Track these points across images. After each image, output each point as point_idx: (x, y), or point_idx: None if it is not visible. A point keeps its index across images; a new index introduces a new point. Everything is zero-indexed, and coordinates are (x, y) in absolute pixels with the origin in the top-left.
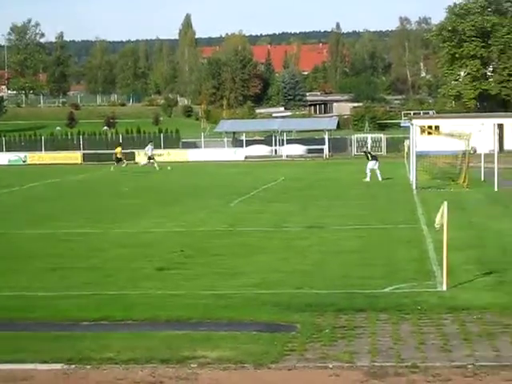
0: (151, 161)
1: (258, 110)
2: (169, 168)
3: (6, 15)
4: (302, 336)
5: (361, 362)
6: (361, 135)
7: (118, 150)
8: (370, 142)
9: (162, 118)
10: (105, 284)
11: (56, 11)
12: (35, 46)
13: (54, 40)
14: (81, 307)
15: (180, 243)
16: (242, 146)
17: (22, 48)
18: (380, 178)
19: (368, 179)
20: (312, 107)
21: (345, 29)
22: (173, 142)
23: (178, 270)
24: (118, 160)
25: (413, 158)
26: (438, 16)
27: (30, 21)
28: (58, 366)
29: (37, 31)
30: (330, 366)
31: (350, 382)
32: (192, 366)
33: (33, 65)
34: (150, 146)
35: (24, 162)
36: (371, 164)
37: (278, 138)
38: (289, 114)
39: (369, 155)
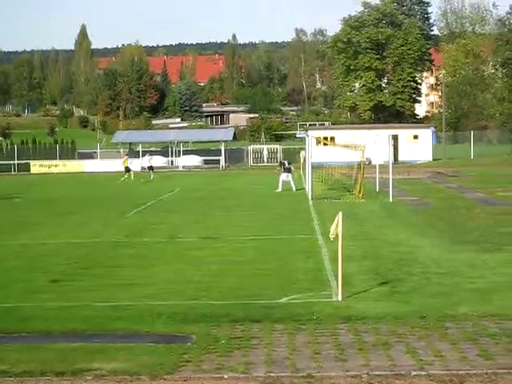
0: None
1: (154, 121)
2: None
3: None
4: (198, 347)
5: (256, 373)
6: (257, 146)
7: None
8: (266, 152)
9: (57, 129)
10: None
11: None
12: None
13: None
14: None
15: (75, 255)
16: (138, 157)
17: None
18: (294, 189)
19: (279, 190)
20: (208, 118)
21: (241, 40)
22: (69, 152)
23: (73, 282)
24: (128, 170)
25: (308, 169)
26: (333, 28)
27: None
28: None
29: None
30: (226, 376)
31: None
32: (87, 378)
33: None
34: (147, 157)
35: None
36: (284, 176)
37: (174, 148)
38: (185, 124)
39: (283, 166)
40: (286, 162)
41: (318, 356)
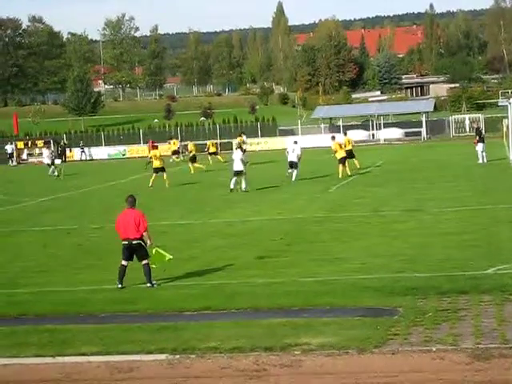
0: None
1: (353, 95)
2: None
3: (100, 10)
4: (405, 320)
5: (465, 345)
6: (458, 116)
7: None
8: (467, 122)
9: (258, 107)
10: (205, 274)
11: (149, 5)
12: (130, 40)
13: (148, 33)
14: (183, 297)
15: (279, 231)
16: (339, 132)
17: (117, 43)
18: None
19: (480, 161)
20: (408, 90)
21: (438, 9)
22: (270, 130)
23: (278, 258)
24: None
25: (511, 137)
26: None
27: (124, 15)
28: (162, 357)
29: (131, 25)
30: (434, 349)
31: (455, 365)
32: (295, 353)
33: (128, 59)
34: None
35: (123, 155)
36: (480, 146)
37: (375, 122)
38: (385, 97)
39: (478, 136)
40: (481, 131)
41: None
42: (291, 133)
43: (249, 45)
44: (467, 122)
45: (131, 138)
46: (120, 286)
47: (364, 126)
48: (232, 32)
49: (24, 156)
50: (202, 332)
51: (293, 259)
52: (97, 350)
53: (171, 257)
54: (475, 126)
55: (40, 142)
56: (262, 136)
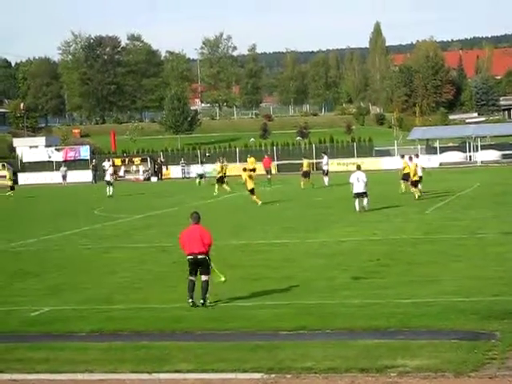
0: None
1: (450, 117)
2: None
3: (198, 29)
4: (503, 344)
5: None
6: None
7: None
8: None
9: (354, 127)
10: (301, 293)
11: (247, 24)
12: (228, 58)
13: (246, 53)
14: (278, 317)
15: (374, 252)
16: (435, 153)
17: (214, 61)
18: None
19: None
20: (506, 112)
21: None
22: (366, 150)
23: (373, 279)
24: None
25: None
26: None
27: (222, 34)
28: (257, 376)
29: (229, 44)
30: None
31: None
32: (392, 374)
33: (226, 78)
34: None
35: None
36: None
37: (472, 144)
38: (482, 119)
39: None
40: None
41: None
42: (387, 153)
43: (345, 65)
44: None
45: (228, 156)
46: (191, 300)
47: (461, 148)
48: (329, 52)
49: (121, 173)
50: (297, 352)
51: (389, 280)
52: (193, 367)
53: (224, 279)
54: None
55: (137, 160)
56: (357, 156)
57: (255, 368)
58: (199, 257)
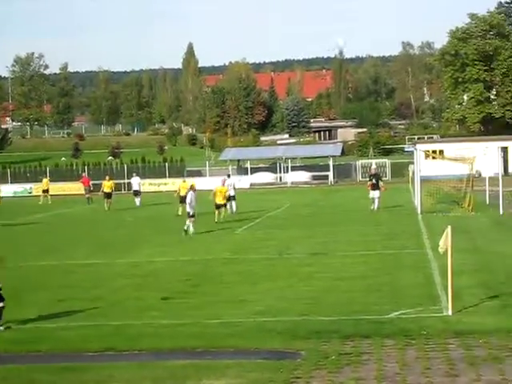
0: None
1: (262, 138)
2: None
3: (10, 47)
4: (308, 363)
5: None
6: (365, 161)
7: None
8: (374, 167)
9: (166, 147)
10: (109, 314)
11: (59, 43)
12: (39, 77)
13: (58, 71)
14: (85, 338)
15: (184, 272)
16: (247, 174)
17: (26, 80)
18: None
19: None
20: (316, 134)
21: (348, 55)
22: (178, 170)
23: (183, 299)
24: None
25: (417, 183)
26: (440, 40)
27: (33, 53)
28: None
29: (41, 63)
30: None
31: None
32: None
33: (37, 96)
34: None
35: (30, 193)
36: (373, 193)
37: (282, 165)
38: (293, 140)
39: (372, 181)
40: (374, 178)
41: (428, 371)
42: (199, 174)
43: (158, 85)
44: (374, 167)
45: (38, 175)
46: None
47: (271, 169)
48: (142, 72)
49: None
50: (103, 373)
51: (198, 301)
52: None
53: None
54: (373, 171)
55: None
56: (169, 177)
57: None
58: None
